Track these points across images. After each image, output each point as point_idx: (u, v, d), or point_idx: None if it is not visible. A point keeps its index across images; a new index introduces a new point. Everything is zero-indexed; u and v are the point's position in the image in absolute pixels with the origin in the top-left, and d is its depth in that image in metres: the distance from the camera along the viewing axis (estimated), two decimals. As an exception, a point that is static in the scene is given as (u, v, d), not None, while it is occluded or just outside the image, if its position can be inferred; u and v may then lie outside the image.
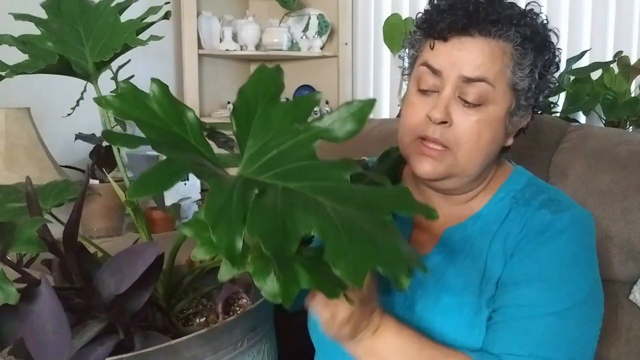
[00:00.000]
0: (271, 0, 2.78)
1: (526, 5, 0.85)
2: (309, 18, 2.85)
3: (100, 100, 0.65)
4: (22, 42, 0.78)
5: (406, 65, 0.92)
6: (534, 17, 0.84)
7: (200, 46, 2.64)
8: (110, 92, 0.70)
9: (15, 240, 0.62)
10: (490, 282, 0.82)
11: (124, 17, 0.82)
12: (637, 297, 1.04)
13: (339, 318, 0.70)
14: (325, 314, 0.70)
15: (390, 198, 0.63)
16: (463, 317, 0.81)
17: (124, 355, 0.65)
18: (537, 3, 0.86)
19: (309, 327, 0.94)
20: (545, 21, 0.85)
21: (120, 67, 1.79)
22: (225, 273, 0.61)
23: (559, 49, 0.87)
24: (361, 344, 0.74)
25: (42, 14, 0.83)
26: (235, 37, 2.76)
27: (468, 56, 0.80)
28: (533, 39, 0.82)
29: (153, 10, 0.77)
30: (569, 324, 0.77)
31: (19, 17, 0.81)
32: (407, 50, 0.91)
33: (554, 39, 0.85)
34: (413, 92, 0.86)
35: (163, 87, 0.69)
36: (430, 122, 0.81)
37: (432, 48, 0.83)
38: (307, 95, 0.72)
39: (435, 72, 0.82)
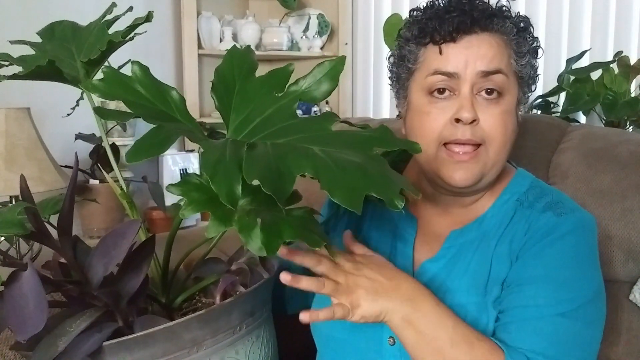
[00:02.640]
0: (271, 0, 2.78)
1: (497, 3, 0.87)
2: (309, 18, 2.85)
3: (86, 85, 0.69)
4: (19, 60, 0.81)
5: (397, 84, 0.91)
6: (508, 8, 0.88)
7: (200, 46, 2.64)
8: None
9: None
10: (496, 284, 0.82)
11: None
12: (637, 297, 1.04)
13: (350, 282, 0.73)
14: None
15: (373, 138, 0.68)
16: (467, 317, 0.81)
17: (123, 338, 0.66)
18: None
19: (311, 327, 0.94)
20: (518, 12, 0.89)
21: (120, 67, 1.79)
22: (213, 229, 0.63)
23: (536, 37, 0.90)
24: (398, 313, 0.74)
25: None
26: (235, 37, 2.76)
27: (479, 52, 0.81)
28: (524, 29, 0.86)
29: (138, 20, 0.80)
30: (577, 325, 0.78)
31: (15, 42, 0.85)
32: (394, 69, 0.91)
33: (529, 26, 0.89)
34: (425, 102, 0.84)
35: (144, 68, 0.73)
36: (457, 124, 0.81)
37: (440, 53, 0.83)
38: (281, 67, 0.78)
39: (450, 75, 0.82)
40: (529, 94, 0.90)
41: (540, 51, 0.89)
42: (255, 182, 0.56)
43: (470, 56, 0.81)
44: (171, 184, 0.67)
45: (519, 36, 0.85)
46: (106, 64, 0.84)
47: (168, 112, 0.71)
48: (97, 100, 0.78)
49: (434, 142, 0.83)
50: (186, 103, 0.75)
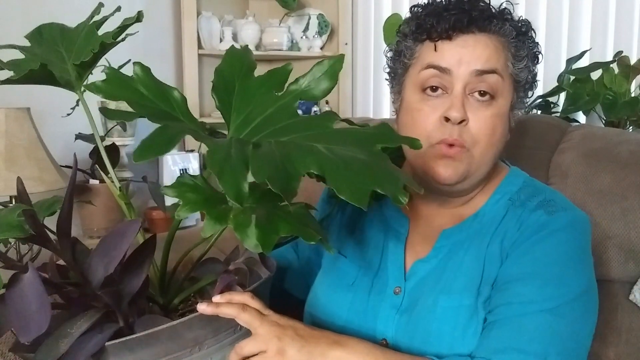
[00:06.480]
0: (271, 0, 2.78)
1: (500, 5, 0.87)
2: (309, 18, 2.85)
3: (90, 86, 0.71)
4: (11, 64, 0.81)
5: (393, 80, 0.91)
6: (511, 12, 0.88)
7: (200, 46, 2.64)
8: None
9: None
10: (487, 284, 0.82)
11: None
12: (637, 297, 1.04)
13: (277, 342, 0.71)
14: (272, 346, 0.71)
15: (375, 135, 0.69)
16: (459, 320, 0.81)
17: (126, 338, 0.66)
18: (511, 2, 0.88)
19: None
20: (521, 16, 0.88)
21: (120, 68, 1.79)
22: (209, 228, 0.63)
23: (537, 42, 0.90)
24: (328, 357, 0.73)
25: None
26: (235, 37, 2.76)
27: (474, 52, 0.81)
28: (524, 33, 0.85)
29: (128, 20, 0.80)
30: (562, 322, 0.77)
31: (3, 47, 0.85)
32: (391, 64, 0.91)
33: (529, 30, 0.88)
34: (417, 99, 0.85)
35: (146, 69, 0.74)
36: (446, 123, 0.81)
37: (435, 50, 0.83)
38: (280, 67, 0.79)
39: (443, 70, 0.82)
40: (526, 99, 0.89)
41: (540, 57, 0.88)
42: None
43: (465, 55, 0.81)
44: (166, 186, 0.67)
45: (518, 40, 0.84)
46: (105, 64, 0.84)
47: (170, 112, 0.71)
48: (94, 102, 0.78)
49: (425, 140, 0.82)
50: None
